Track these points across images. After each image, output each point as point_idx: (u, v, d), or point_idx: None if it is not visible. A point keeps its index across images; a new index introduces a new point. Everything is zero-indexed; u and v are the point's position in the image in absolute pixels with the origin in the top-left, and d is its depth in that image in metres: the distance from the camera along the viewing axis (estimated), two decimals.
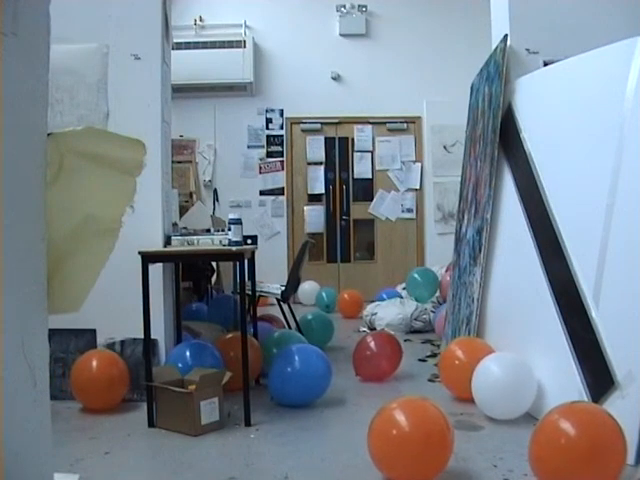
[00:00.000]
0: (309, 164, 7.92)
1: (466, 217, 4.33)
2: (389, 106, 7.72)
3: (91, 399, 3.32)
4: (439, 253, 7.23)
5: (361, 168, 7.92)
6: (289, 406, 3.35)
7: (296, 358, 3.36)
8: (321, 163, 7.92)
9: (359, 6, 7.78)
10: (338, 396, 3.58)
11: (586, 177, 2.96)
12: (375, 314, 5.70)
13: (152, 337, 3.18)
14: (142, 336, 3.12)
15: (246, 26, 7.69)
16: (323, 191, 7.92)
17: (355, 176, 7.93)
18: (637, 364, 2.46)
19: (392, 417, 2.34)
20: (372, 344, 3.93)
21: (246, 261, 3.41)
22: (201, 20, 7.59)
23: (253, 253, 3.99)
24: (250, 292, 4.25)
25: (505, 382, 2.98)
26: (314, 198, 7.94)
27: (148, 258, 3.11)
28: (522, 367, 3.03)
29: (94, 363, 3.30)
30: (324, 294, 6.86)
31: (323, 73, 7.78)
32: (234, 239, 3.22)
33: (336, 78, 7.82)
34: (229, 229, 3.26)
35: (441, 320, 4.94)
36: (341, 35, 7.82)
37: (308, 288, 7.12)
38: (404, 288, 6.46)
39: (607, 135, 2.83)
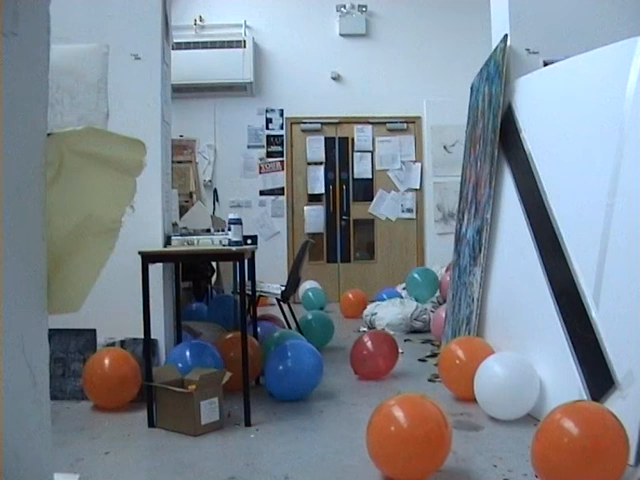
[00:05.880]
0: (309, 164, 7.92)
1: (466, 217, 4.33)
2: (389, 106, 7.72)
3: (103, 398, 3.33)
4: (439, 253, 7.23)
5: (361, 168, 7.92)
6: (286, 401, 3.39)
7: (288, 354, 3.43)
8: (321, 163, 7.92)
9: (359, 6, 7.78)
10: (338, 396, 3.59)
11: (586, 177, 2.96)
12: (375, 314, 5.70)
13: (152, 337, 3.17)
14: (142, 336, 3.12)
15: (246, 26, 7.69)
16: (323, 191, 7.91)
17: (355, 176, 7.92)
18: (637, 364, 2.46)
19: (390, 414, 2.35)
20: (369, 343, 3.97)
21: (246, 261, 3.41)
22: (201, 20, 7.59)
23: (253, 253, 3.99)
24: (250, 292, 4.25)
25: (509, 382, 2.98)
26: (314, 198, 7.94)
27: (148, 258, 3.11)
28: (526, 367, 3.03)
29: (107, 361, 3.31)
30: (310, 294, 6.83)
31: (323, 73, 7.78)
32: (234, 239, 3.22)
33: (336, 78, 7.82)
34: (229, 229, 3.26)
35: (438, 321, 4.94)
36: (341, 35, 7.82)
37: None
38: (404, 288, 6.46)
39: (607, 135, 2.83)
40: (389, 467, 2.36)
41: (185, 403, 2.92)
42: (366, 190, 7.96)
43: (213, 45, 7.41)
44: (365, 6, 7.79)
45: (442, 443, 2.33)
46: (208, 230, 4.61)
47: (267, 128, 7.84)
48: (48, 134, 1.36)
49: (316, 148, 7.89)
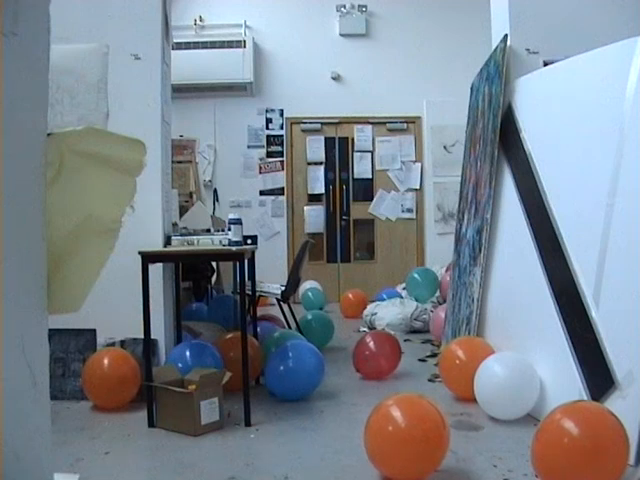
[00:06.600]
0: (309, 164, 7.91)
1: (466, 217, 4.33)
2: (389, 106, 7.72)
3: (103, 398, 3.33)
4: (439, 253, 7.23)
5: (361, 168, 7.91)
6: (286, 401, 3.39)
7: (290, 354, 3.43)
8: (321, 163, 7.92)
9: (359, 6, 7.78)
10: (338, 396, 3.59)
11: (586, 177, 2.96)
12: (375, 314, 5.70)
13: (152, 337, 3.17)
14: (142, 336, 3.12)
15: (246, 26, 7.69)
16: (323, 191, 7.91)
17: (355, 176, 7.92)
18: (637, 364, 2.46)
19: (388, 414, 2.35)
20: (371, 344, 3.97)
21: (246, 261, 3.41)
22: (201, 20, 7.59)
23: (253, 253, 3.99)
24: (250, 292, 4.25)
25: (509, 382, 2.98)
26: (314, 198, 7.94)
27: (148, 258, 3.11)
28: (526, 367, 3.03)
29: (106, 361, 3.31)
30: (310, 294, 6.82)
31: (323, 73, 7.78)
32: (234, 239, 3.22)
33: (336, 78, 7.82)
34: (229, 229, 3.26)
35: (438, 321, 4.95)
36: (341, 35, 7.82)
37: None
38: (404, 288, 6.46)
39: (607, 135, 2.83)
40: (387, 467, 2.36)
41: (185, 403, 2.92)
42: (366, 190, 7.96)
43: (213, 45, 7.41)
44: (365, 6, 7.79)
45: (440, 443, 2.33)
46: (208, 230, 4.61)
47: (267, 128, 7.84)
48: (48, 134, 1.36)
49: (316, 148, 7.89)
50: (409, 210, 7.89)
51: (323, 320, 5.04)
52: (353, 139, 7.91)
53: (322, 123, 7.86)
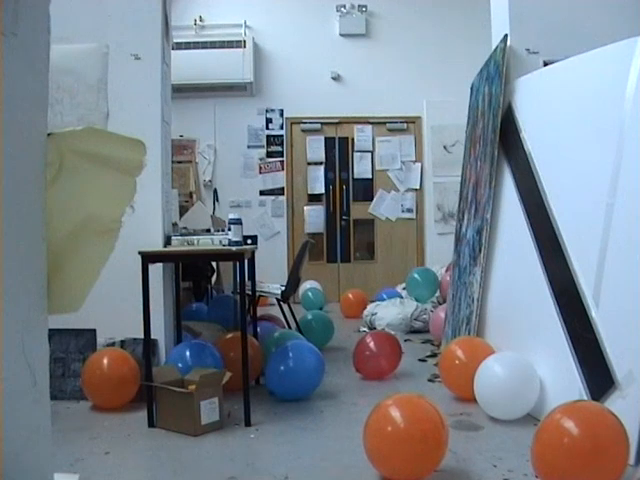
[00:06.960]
0: (309, 164, 7.91)
1: (466, 217, 4.33)
2: (389, 106, 7.72)
3: (103, 398, 3.33)
4: (439, 253, 7.23)
5: (361, 168, 7.91)
6: (286, 401, 3.39)
7: (290, 354, 3.43)
8: (321, 163, 7.92)
9: (359, 6, 7.78)
10: (338, 396, 3.59)
11: (586, 177, 2.96)
12: (375, 314, 5.70)
13: (152, 337, 3.18)
14: (142, 336, 3.12)
15: (246, 26, 7.69)
16: (323, 191, 7.91)
17: (355, 176, 7.92)
18: (637, 364, 2.46)
19: (387, 414, 2.35)
20: (371, 344, 3.97)
21: (246, 261, 3.41)
22: (201, 20, 7.59)
23: (253, 253, 3.99)
24: (250, 292, 4.25)
25: (509, 382, 2.98)
26: (314, 198, 7.94)
27: (148, 258, 3.11)
28: (526, 367, 3.03)
29: (105, 362, 3.31)
30: (310, 294, 6.82)
31: (323, 73, 7.78)
32: (234, 239, 3.22)
33: (336, 78, 7.82)
34: (229, 229, 3.26)
35: (437, 321, 4.95)
36: (341, 35, 7.82)
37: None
38: (404, 288, 6.46)
39: (607, 135, 2.83)
40: (386, 467, 2.36)
41: (185, 403, 2.92)
42: (366, 190, 7.95)
43: (213, 45, 7.40)
44: (365, 6, 7.79)
45: (439, 443, 2.33)
46: (208, 230, 4.61)
47: (267, 128, 7.84)
48: (48, 134, 1.36)
49: (316, 148, 7.89)
50: (409, 210, 7.89)
51: (323, 320, 5.04)
52: (353, 139, 7.91)
53: (322, 123, 7.86)
